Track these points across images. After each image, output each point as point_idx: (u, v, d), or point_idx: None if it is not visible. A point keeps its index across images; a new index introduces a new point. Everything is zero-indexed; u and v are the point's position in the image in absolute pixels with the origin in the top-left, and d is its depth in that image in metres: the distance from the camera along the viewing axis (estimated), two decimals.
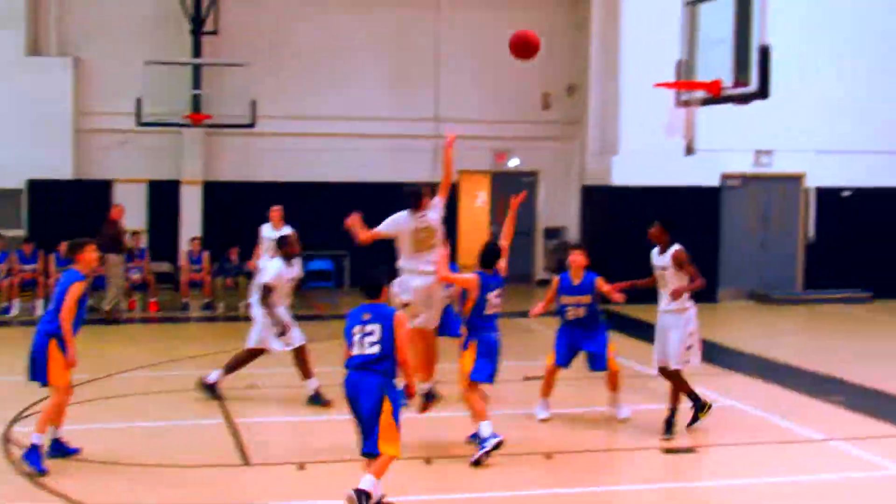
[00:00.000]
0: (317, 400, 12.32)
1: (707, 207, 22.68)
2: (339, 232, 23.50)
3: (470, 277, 10.47)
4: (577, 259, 11.87)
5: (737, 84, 12.96)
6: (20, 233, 22.40)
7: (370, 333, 8.37)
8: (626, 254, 15.65)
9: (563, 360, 11.75)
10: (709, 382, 13.60)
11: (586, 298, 11.69)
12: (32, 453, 9.43)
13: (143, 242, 22.24)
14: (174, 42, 23.95)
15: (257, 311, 12.70)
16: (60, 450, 9.86)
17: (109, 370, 14.37)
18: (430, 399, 10.98)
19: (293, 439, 11.27)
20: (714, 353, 16.09)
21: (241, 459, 10.07)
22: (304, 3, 25.13)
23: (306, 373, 12.51)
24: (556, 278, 11.95)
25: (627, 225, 20.58)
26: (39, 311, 19.90)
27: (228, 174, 24.74)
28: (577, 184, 25.16)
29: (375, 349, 8.33)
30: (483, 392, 10.48)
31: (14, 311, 20.14)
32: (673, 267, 11.04)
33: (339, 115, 25.09)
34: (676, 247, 11.13)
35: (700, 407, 11.29)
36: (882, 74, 23.53)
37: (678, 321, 11.02)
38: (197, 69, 23.26)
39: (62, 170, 23.56)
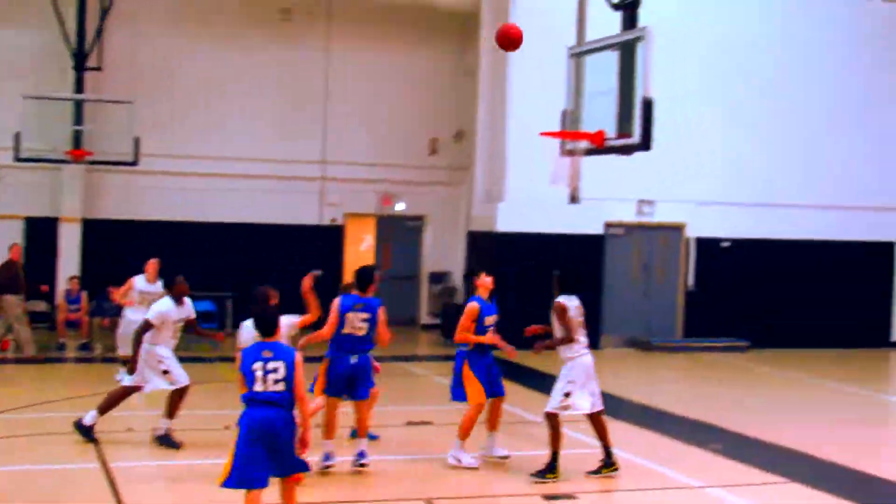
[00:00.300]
0: (166, 441, 12.07)
1: (590, 255, 22.95)
2: (222, 273, 23.52)
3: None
4: (486, 281, 11.83)
5: (620, 135, 13.14)
6: None
7: (274, 370, 8.40)
8: (510, 300, 15.68)
9: (489, 391, 11.73)
10: (589, 429, 13.69)
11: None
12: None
13: None
14: (57, 77, 23.54)
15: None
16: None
17: None
18: None
19: (168, 483, 11.00)
20: None
21: None
22: (191, 41, 24.90)
23: (171, 412, 12.23)
24: (474, 303, 11.67)
25: (512, 271, 20.74)
26: None
27: (109, 212, 24.31)
28: (464, 229, 25.28)
29: (281, 386, 8.39)
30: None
31: None
32: (553, 316, 11.17)
33: (224, 155, 24.88)
34: (559, 298, 11.21)
35: (608, 464, 11.27)
36: (761, 129, 24.18)
37: (563, 369, 11.13)
38: (79, 105, 22.84)
39: None
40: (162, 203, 24.54)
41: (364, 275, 11.45)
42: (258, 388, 8.37)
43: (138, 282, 16.04)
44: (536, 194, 21.78)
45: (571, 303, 11.25)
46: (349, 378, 11.08)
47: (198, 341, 17.42)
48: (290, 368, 8.42)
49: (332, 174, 25.77)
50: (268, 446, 8.30)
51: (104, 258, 22.97)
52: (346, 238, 26.10)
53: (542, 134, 15.10)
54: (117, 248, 23.10)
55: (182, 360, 12.86)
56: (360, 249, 27.13)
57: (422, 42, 26.33)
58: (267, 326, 8.61)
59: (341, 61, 25.81)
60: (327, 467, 10.94)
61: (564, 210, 22.64)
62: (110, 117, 22.96)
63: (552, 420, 11.15)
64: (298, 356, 8.55)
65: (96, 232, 23.89)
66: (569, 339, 11.12)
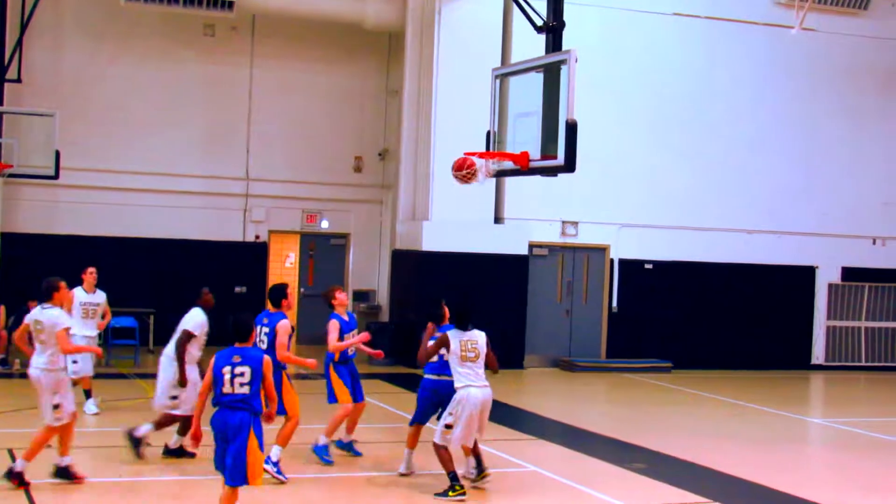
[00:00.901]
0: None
1: (515, 275, 23.06)
2: (144, 288, 23.22)
3: None
4: (341, 298, 12.62)
5: (545, 157, 13.21)
6: None
7: (241, 374, 8.94)
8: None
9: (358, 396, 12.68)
10: (511, 448, 13.77)
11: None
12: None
13: None
14: None
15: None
16: None
17: None
18: None
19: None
20: (518, 420, 16.33)
21: None
22: (113, 54, 24.69)
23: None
24: (335, 321, 12.45)
25: (437, 290, 20.74)
26: None
27: (29, 226, 23.95)
28: (388, 248, 25.28)
29: (245, 389, 8.92)
30: None
31: None
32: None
33: (147, 170, 24.68)
34: (444, 330, 11.52)
35: (452, 487, 11.09)
36: (685, 154, 24.53)
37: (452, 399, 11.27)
38: None
39: None
40: (83, 218, 24.26)
41: (274, 291, 12.22)
42: (226, 389, 8.92)
43: (78, 293, 15.57)
44: (462, 214, 21.95)
45: (458, 337, 11.17)
46: None
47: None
48: (257, 373, 8.96)
49: (256, 191, 25.64)
50: (222, 447, 8.94)
51: (23, 272, 22.58)
52: (269, 255, 25.96)
53: (465, 154, 15.13)
54: (37, 262, 22.73)
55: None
56: (284, 266, 27.02)
57: (347, 59, 26.32)
58: (241, 333, 9.09)
59: (266, 77, 25.72)
60: None
61: (489, 230, 22.84)
62: (31, 130, 22.60)
63: (438, 450, 11.20)
64: (267, 360, 9.06)
65: (14, 245, 23.52)
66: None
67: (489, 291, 21.95)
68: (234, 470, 8.84)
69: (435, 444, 11.20)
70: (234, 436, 8.83)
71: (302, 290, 26.22)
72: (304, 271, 26.65)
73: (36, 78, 23.84)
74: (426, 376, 11.87)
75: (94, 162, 24.08)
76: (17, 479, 10.73)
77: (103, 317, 16.12)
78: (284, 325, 11.76)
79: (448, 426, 11.09)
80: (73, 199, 24.14)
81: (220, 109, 25.46)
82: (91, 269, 15.84)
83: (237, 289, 24.80)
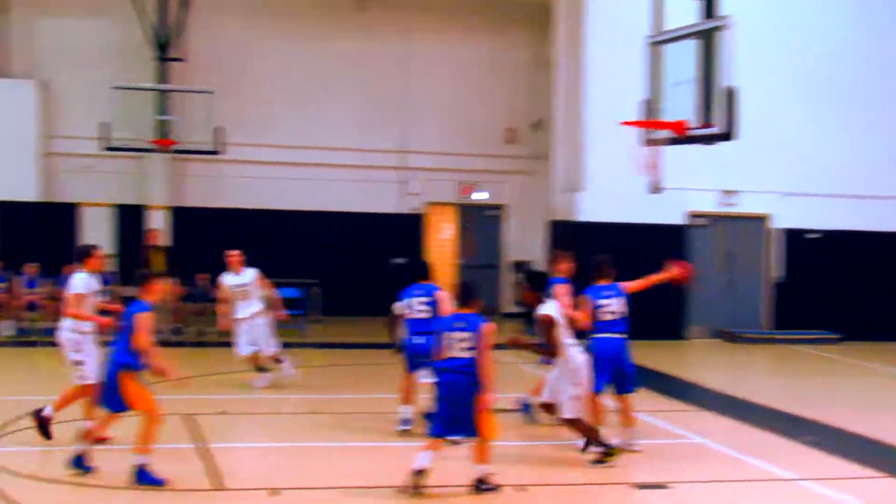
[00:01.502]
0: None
1: (672, 245, 22.70)
2: (306, 260, 23.72)
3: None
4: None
5: (702, 125, 13.06)
6: None
7: (463, 340, 9.42)
8: None
9: None
10: (676, 419, 13.69)
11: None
12: (143, 474, 9.52)
13: (111, 267, 22.10)
14: (143, 67, 24.00)
15: None
16: (81, 464, 9.83)
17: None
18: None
19: (265, 465, 11.15)
20: (681, 390, 16.22)
21: (211, 484, 9.96)
22: (271, 31, 25.21)
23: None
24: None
25: (594, 260, 20.67)
26: (8, 331, 19.87)
27: (195, 200, 24.73)
28: (544, 218, 25.28)
29: (467, 354, 9.40)
30: None
31: None
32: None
33: (304, 144, 25.17)
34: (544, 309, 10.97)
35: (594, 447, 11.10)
36: (848, 119, 23.82)
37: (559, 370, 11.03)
38: (163, 95, 23.24)
39: (27, 192, 23.43)
40: (244, 191, 24.94)
41: (420, 266, 12.74)
42: (450, 353, 9.42)
43: (226, 279, 15.41)
44: (617, 184, 21.75)
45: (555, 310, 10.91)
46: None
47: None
48: (477, 340, 9.37)
49: (412, 163, 25.94)
50: (447, 406, 9.49)
51: (192, 245, 23.31)
52: (426, 227, 26.24)
53: (621, 123, 15.06)
54: (204, 234, 23.49)
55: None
56: (440, 238, 27.28)
57: (499, 31, 26.38)
58: (466, 299, 9.65)
59: (420, 51, 25.99)
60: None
61: (645, 200, 22.56)
62: (194, 107, 23.34)
63: (574, 424, 11.06)
64: (487, 328, 9.44)
65: (183, 219, 24.28)
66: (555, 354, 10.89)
67: (647, 262, 21.70)
68: (461, 426, 9.36)
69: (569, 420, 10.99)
70: (459, 398, 9.35)
71: (460, 261, 26.49)
72: (461, 243, 26.88)
73: (198, 57, 24.51)
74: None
75: (254, 137, 24.66)
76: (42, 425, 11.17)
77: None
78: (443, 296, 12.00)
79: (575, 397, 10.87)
80: (234, 174, 24.82)
81: (375, 83, 25.81)
82: (234, 252, 15.47)
83: (395, 260, 25.12)
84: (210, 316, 19.58)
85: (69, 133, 23.99)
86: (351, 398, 14.70)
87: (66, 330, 11.24)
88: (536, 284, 11.17)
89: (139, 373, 9.71)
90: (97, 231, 23.80)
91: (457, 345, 9.46)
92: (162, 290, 10.14)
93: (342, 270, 24.30)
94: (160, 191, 24.39)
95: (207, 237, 23.22)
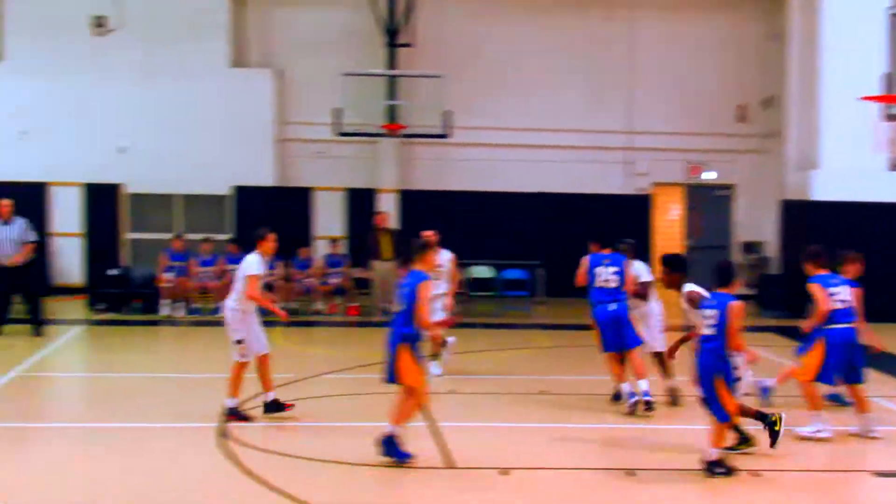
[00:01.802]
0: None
1: None
2: (531, 242, 23.81)
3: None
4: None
5: None
6: (227, 236, 23.24)
7: (710, 317, 9.53)
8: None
9: None
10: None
11: None
12: (390, 445, 9.67)
13: (342, 249, 22.77)
14: (371, 54, 24.52)
15: None
16: (393, 450, 9.77)
17: (315, 371, 14.74)
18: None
19: (494, 445, 11.27)
20: None
21: (443, 462, 10.13)
22: (497, 15, 25.38)
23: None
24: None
25: (828, 242, 19.99)
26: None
27: (423, 183, 25.17)
28: (775, 198, 24.60)
29: (711, 331, 9.51)
30: None
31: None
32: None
33: (530, 126, 25.25)
34: (689, 287, 10.83)
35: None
36: None
37: None
38: (393, 80, 23.71)
39: (264, 177, 24.40)
40: (471, 174, 25.21)
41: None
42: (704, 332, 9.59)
43: None
44: (854, 161, 20.98)
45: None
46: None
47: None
48: (722, 316, 9.46)
49: (638, 143, 25.70)
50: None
51: (420, 228, 23.64)
52: (653, 207, 25.97)
53: (861, 98, 14.52)
54: (431, 217, 23.84)
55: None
56: (667, 219, 26.95)
57: (727, 6, 25.83)
58: (721, 278, 9.72)
59: (645, 30, 25.69)
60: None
61: (886, 177, 21.69)
62: (422, 92, 23.68)
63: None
64: (734, 306, 9.44)
65: (411, 202, 24.76)
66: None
67: (888, 244, 20.90)
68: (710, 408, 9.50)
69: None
70: (703, 376, 9.52)
71: (688, 242, 26.12)
72: (689, 224, 26.48)
73: (425, 41, 24.88)
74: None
75: (481, 120, 24.88)
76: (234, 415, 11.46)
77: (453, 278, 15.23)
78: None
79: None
80: (461, 157, 25.13)
81: (600, 64, 25.67)
82: (429, 232, 15.06)
83: (625, 241, 24.83)
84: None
85: (302, 119, 24.82)
86: (576, 380, 14.70)
87: (230, 309, 11.61)
88: (676, 267, 11.05)
89: (418, 344, 9.78)
90: (329, 214, 24.63)
91: (706, 322, 9.56)
92: (434, 260, 10.28)
93: (567, 252, 24.21)
94: (389, 174, 24.96)
95: (434, 219, 23.58)
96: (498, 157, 25.36)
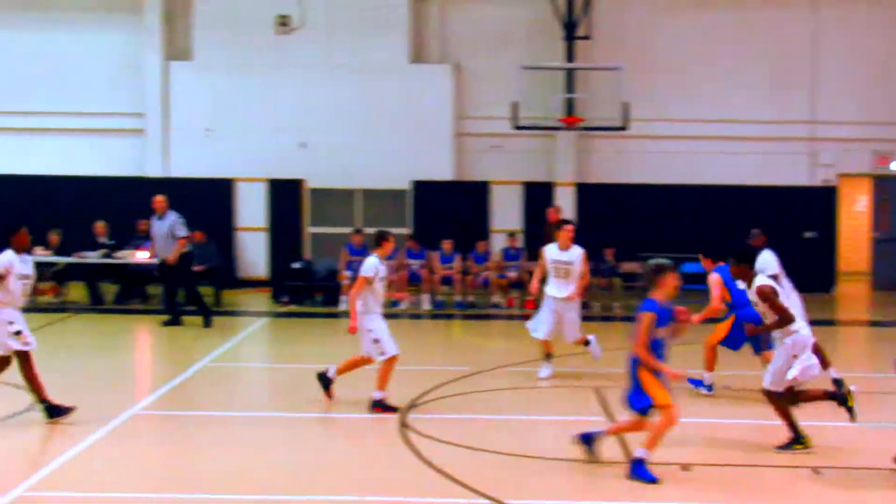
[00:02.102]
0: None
1: None
2: (708, 235, 23.39)
3: None
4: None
5: None
6: (406, 231, 23.57)
7: None
8: None
9: None
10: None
11: None
12: (638, 466, 9.28)
13: (519, 243, 22.82)
14: (547, 47, 24.47)
15: None
16: (642, 472, 9.28)
17: (493, 364, 14.82)
18: None
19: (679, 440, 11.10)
20: None
21: (624, 456, 10.03)
22: (676, 6, 25.03)
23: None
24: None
25: None
26: (426, 304, 20.98)
27: (599, 176, 25.01)
28: None
29: None
30: None
31: (403, 305, 21.21)
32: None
33: (710, 118, 24.81)
34: (759, 281, 10.26)
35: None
36: None
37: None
38: (570, 73, 23.62)
39: (442, 171, 24.62)
40: (649, 167, 24.93)
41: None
42: None
43: (549, 251, 14.08)
44: None
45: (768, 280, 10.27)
46: None
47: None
48: None
49: (821, 133, 24.99)
50: None
51: (597, 221, 23.57)
52: (839, 199, 25.21)
53: None
54: (608, 210, 23.80)
55: None
56: (853, 210, 26.16)
57: None
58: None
59: (829, 18, 24.94)
60: None
61: None
62: (599, 84, 23.58)
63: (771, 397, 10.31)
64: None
65: (588, 195, 24.63)
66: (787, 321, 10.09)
67: None
68: None
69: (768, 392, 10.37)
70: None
71: (875, 234, 25.29)
72: (876, 215, 25.63)
73: (603, 34, 24.69)
74: None
75: (659, 112, 24.56)
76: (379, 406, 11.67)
77: (582, 278, 14.12)
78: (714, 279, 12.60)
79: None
80: (638, 149, 24.87)
81: (782, 54, 25.05)
82: (568, 227, 14.16)
83: (806, 234, 24.31)
84: (618, 291, 19.79)
85: (480, 114, 24.95)
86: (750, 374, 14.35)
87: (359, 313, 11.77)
88: (744, 258, 10.36)
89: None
90: (506, 208, 24.68)
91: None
92: (674, 287, 9.38)
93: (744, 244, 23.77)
94: (566, 167, 24.87)
95: (611, 213, 23.56)
96: (677, 149, 24.99)
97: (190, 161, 24.87)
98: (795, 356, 10.07)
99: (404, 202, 24.83)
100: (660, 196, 24.48)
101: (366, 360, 11.95)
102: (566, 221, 14.66)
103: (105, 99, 25.11)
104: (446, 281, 21.69)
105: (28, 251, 11.36)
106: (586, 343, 14.17)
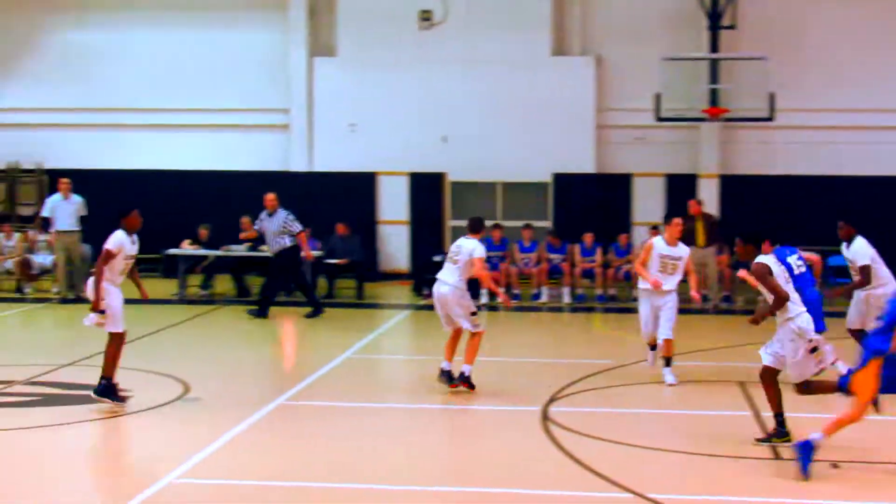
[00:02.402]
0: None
1: None
2: (863, 227, 22.75)
3: None
4: None
5: None
6: (546, 224, 23.53)
7: None
8: None
9: None
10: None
11: None
12: (807, 449, 9.13)
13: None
14: (691, 38, 24.16)
15: None
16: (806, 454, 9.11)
17: (634, 357, 14.71)
18: None
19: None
20: None
21: (771, 453, 9.88)
22: None
23: None
24: None
25: None
26: (567, 298, 20.92)
27: (745, 167, 24.58)
28: None
29: None
30: None
31: (543, 298, 21.19)
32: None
33: (860, 107, 24.12)
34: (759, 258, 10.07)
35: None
36: None
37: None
38: (714, 64, 23.21)
39: (584, 164, 24.51)
40: (795, 158, 24.38)
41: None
42: None
43: (657, 244, 13.58)
44: None
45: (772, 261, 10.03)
46: None
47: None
48: None
49: None
50: None
51: (740, 213, 23.14)
52: None
53: None
54: (752, 203, 23.35)
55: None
56: None
57: None
58: None
59: None
60: None
61: None
62: (743, 75, 23.05)
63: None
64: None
65: (732, 188, 24.22)
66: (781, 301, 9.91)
67: None
68: None
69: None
70: None
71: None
72: None
73: (748, 23, 24.19)
74: None
75: (805, 101, 23.94)
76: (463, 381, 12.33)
77: (691, 273, 13.87)
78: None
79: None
80: (785, 140, 24.33)
81: None
82: (677, 220, 13.70)
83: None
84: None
85: (621, 106, 24.72)
86: None
87: (455, 287, 12.36)
88: (749, 239, 10.27)
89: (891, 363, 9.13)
90: (648, 201, 24.42)
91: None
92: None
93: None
94: (710, 159, 24.47)
95: (756, 205, 23.08)
96: (823, 140, 24.37)
97: (333, 155, 25.25)
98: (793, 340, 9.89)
99: (545, 195, 24.79)
100: (806, 188, 23.90)
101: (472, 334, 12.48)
102: (707, 216, 14.55)
103: (252, 95, 25.66)
104: (587, 274, 21.57)
105: (137, 233, 11.89)
106: (653, 347, 13.67)
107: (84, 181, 21.45)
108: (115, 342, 11.51)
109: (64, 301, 20.48)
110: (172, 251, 21.87)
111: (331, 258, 21.82)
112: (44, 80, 26.13)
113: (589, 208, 23.79)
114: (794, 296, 9.89)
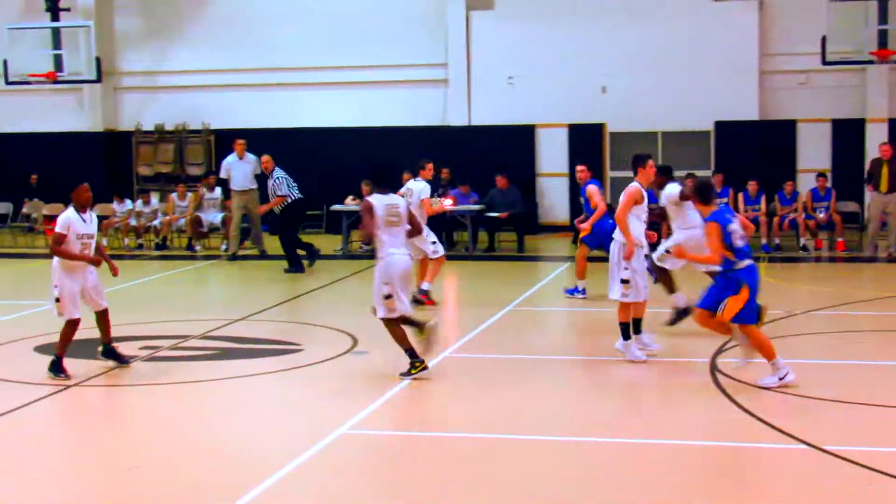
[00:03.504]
0: None
1: None
2: None
3: None
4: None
5: None
6: (707, 173, 23.15)
7: None
8: None
9: None
10: None
11: None
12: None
13: (829, 183, 21.96)
14: None
15: None
16: None
17: (805, 307, 14.43)
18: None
19: None
20: None
21: None
22: None
23: None
24: None
25: None
26: None
27: None
28: None
29: None
30: None
31: None
32: None
33: None
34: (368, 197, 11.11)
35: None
36: None
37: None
38: (883, 4, 22.36)
39: (748, 111, 24.02)
40: None
41: None
42: None
43: None
44: None
45: (380, 202, 10.84)
46: None
47: None
48: None
49: None
50: None
51: None
52: None
53: None
54: None
55: None
56: None
57: None
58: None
59: None
60: None
61: None
62: None
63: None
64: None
65: None
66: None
67: None
68: None
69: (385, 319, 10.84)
70: None
71: None
72: None
73: None
74: None
75: None
76: None
77: None
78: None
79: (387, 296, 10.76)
80: None
81: None
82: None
83: None
84: None
85: (784, 50, 24.10)
86: None
87: (619, 242, 11.65)
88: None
89: None
90: (813, 147, 23.84)
91: None
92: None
93: None
94: (879, 103, 23.66)
95: None
96: None
97: (491, 109, 25.29)
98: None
99: (707, 143, 24.38)
100: None
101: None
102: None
103: (411, 51, 25.85)
104: (751, 223, 21.12)
105: (91, 208, 11.30)
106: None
107: (249, 141, 21.94)
108: (70, 326, 11.12)
109: (233, 258, 21.10)
110: (336, 207, 22.28)
111: (491, 211, 21.91)
112: (208, 43, 26.84)
113: (753, 156, 23.34)
114: None
